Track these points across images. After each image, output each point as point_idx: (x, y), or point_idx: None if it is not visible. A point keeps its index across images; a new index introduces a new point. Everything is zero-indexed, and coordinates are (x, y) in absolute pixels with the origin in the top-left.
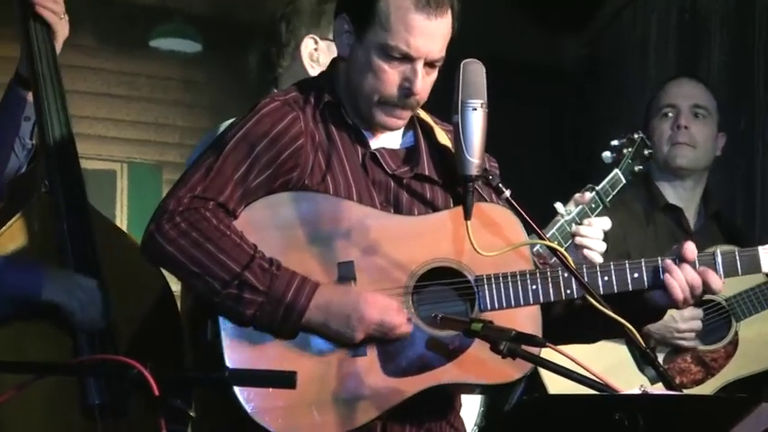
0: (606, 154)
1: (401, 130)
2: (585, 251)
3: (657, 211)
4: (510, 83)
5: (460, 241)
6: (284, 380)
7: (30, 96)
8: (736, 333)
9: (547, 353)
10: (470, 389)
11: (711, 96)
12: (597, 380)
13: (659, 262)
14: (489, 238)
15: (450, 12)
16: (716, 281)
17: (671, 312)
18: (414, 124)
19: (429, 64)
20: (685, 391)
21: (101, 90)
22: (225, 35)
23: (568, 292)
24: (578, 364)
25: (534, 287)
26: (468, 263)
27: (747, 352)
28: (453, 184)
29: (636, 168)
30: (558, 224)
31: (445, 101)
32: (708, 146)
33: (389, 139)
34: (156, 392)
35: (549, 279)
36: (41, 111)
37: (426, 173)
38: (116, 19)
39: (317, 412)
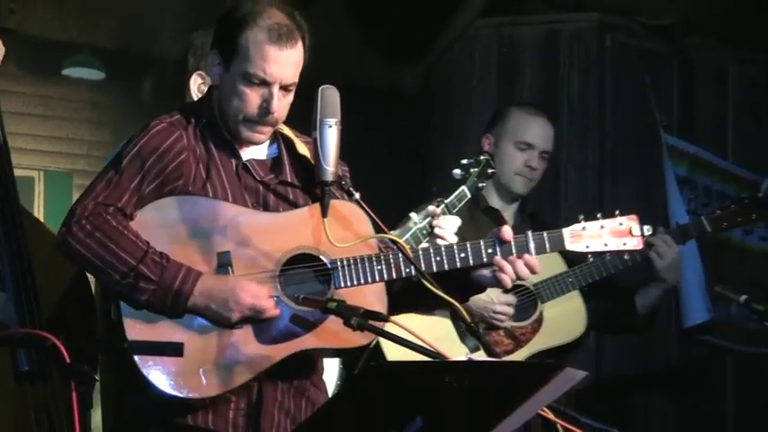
0: (456, 171)
1: (267, 144)
2: (439, 240)
3: (479, 212)
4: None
5: (319, 232)
6: (173, 349)
7: None
8: (541, 313)
9: (388, 326)
10: (328, 353)
11: (554, 137)
12: (431, 349)
13: (480, 243)
14: (341, 231)
15: (300, 43)
16: (531, 261)
17: (490, 295)
18: (277, 138)
19: (284, 88)
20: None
21: (21, 110)
22: (125, 66)
23: (407, 271)
24: (414, 335)
25: (380, 267)
26: (326, 249)
27: (550, 328)
28: (312, 188)
29: (479, 185)
30: (411, 231)
31: (307, 119)
32: (540, 177)
33: (257, 152)
34: (68, 360)
35: (392, 261)
36: None
37: (289, 179)
38: (34, 51)
39: (204, 376)
